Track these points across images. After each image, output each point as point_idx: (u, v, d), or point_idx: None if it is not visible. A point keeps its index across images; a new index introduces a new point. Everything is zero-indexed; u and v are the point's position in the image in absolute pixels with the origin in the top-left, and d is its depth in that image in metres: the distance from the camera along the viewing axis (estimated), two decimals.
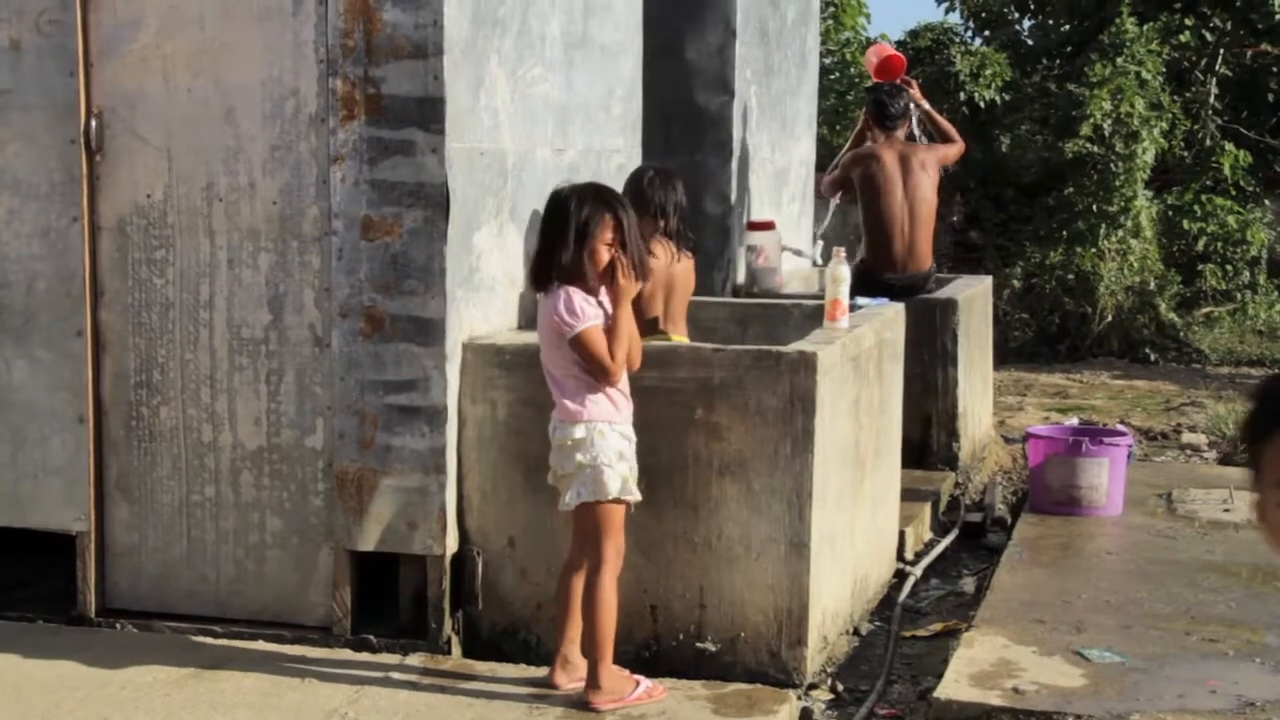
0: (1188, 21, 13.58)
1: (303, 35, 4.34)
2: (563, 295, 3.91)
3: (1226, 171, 13.23)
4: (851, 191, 7.40)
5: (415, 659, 4.29)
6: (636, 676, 4.05)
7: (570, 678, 4.07)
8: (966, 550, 6.04)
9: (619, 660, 4.29)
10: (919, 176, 7.30)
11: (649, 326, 4.98)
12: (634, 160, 5.79)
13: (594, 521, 3.96)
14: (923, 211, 7.26)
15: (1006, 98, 13.23)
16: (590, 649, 3.98)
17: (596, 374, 3.93)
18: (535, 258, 4.09)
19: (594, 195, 4.01)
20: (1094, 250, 12.07)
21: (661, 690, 4.04)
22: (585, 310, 3.91)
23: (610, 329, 3.94)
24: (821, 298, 4.97)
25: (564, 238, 3.93)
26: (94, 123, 4.50)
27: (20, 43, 4.52)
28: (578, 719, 3.88)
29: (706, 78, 7.13)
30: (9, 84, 4.55)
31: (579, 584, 4.05)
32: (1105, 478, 6.15)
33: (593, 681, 3.96)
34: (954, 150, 7.54)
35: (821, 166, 8.95)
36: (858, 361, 4.78)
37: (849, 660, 4.63)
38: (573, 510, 3.98)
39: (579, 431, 3.92)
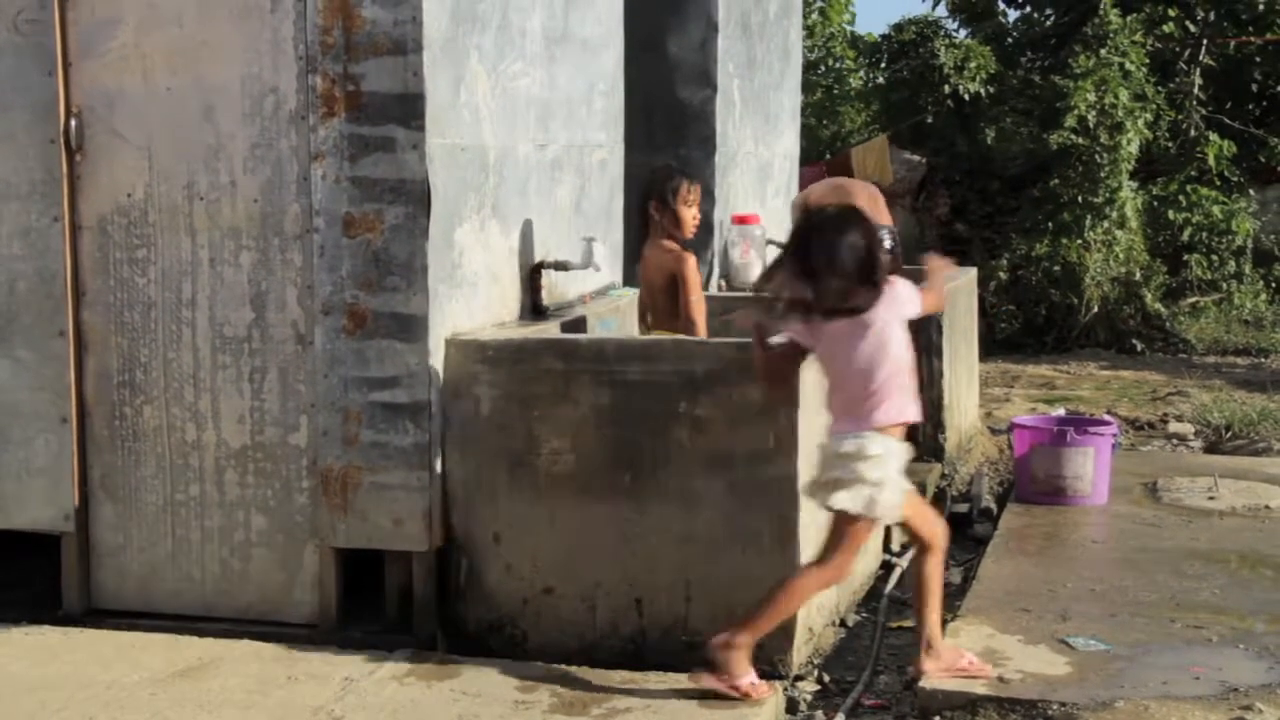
0: (1171, 12, 13.63)
1: (282, 32, 4.33)
2: (908, 285, 4.04)
3: (1211, 162, 13.27)
4: None
5: (401, 655, 4.29)
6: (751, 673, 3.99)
7: (937, 664, 4.07)
8: (952, 541, 6.00)
9: (607, 653, 4.30)
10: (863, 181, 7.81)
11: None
12: (616, 155, 5.80)
13: (846, 530, 3.98)
14: (870, 189, 7.58)
15: (991, 90, 13.25)
16: (752, 616, 3.96)
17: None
18: (846, 281, 3.90)
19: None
20: (1080, 241, 12.10)
21: (763, 689, 3.96)
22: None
23: None
24: None
25: (880, 248, 3.97)
26: (73, 122, 4.49)
27: None
28: (564, 715, 3.88)
29: (689, 72, 7.14)
30: None
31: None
32: (1090, 467, 6.16)
33: (730, 639, 3.93)
34: None
35: (805, 160, 9.00)
36: None
37: (835, 651, 4.64)
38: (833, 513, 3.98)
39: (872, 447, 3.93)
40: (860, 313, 3.93)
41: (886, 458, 3.95)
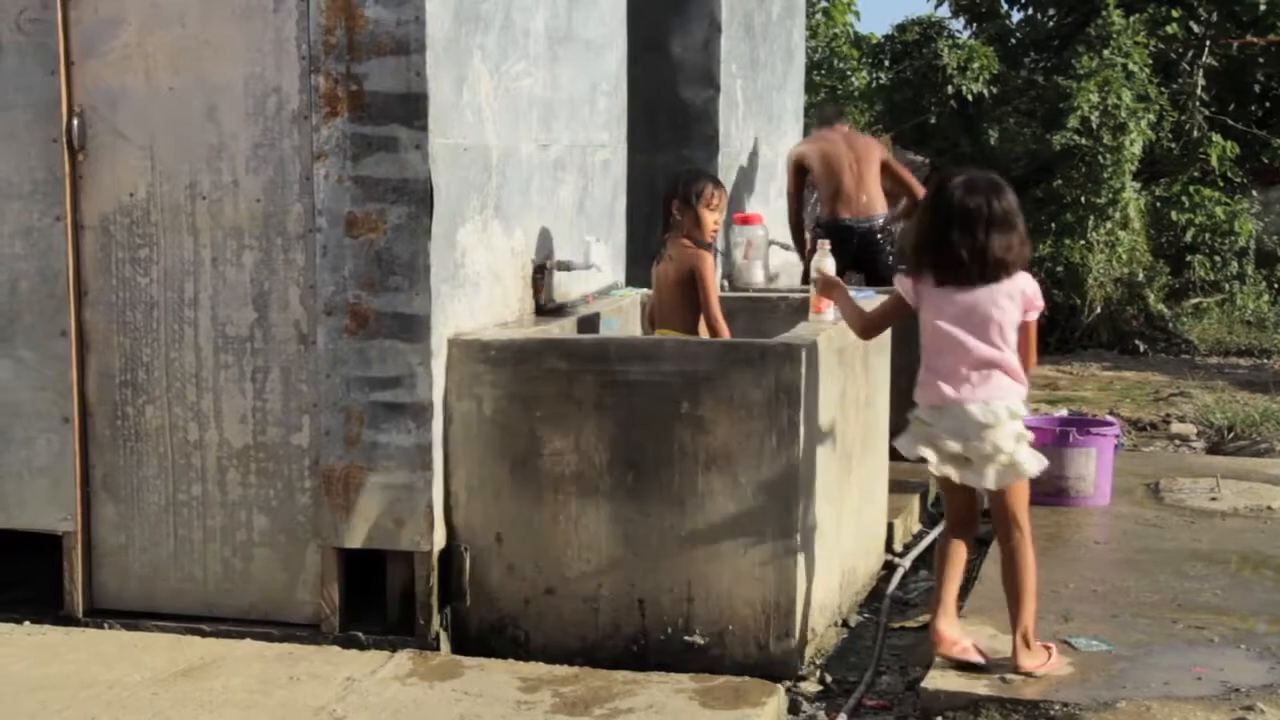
0: (1174, 13, 13.61)
1: (284, 32, 4.33)
2: (1032, 282, 4.12)
3: (1214, 163, 13.25)
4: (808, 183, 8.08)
5: (403, 656, 4.29)
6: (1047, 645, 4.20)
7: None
8: None
9: (609, 654, 4.31)
10: (862, 140, 8.22)
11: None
12: (619, 155, 5.80)
13: (1016, 497, 4.15)
14: (869, 163, 8.00)
15: (994, 90, 13.24)
16: (1018, 617, 4.14)
17: (1028, 358, 4.13)
18: (976, 250, 4.01)
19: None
20: (1083, 242, 12.09)
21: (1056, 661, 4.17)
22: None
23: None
24: (808, 291, 4.97)
25: (1019, 227, 4.04)
26: (76, 121, 4.49)
27: (0, 41, 4.51)
28: (567, 715, 3.88)
29: (692, 72, 7.14)
30: None
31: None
32: (1092, 468, 6.16)
33: (1027, 644, 4.13)
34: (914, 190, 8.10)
35: None
36: (843, 353, 4.78)
37: (837, 652, 4.63)
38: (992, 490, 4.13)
39: (1019, 407, 4.09)
40: (999, 280, 4.03)
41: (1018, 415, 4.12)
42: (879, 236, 7.89)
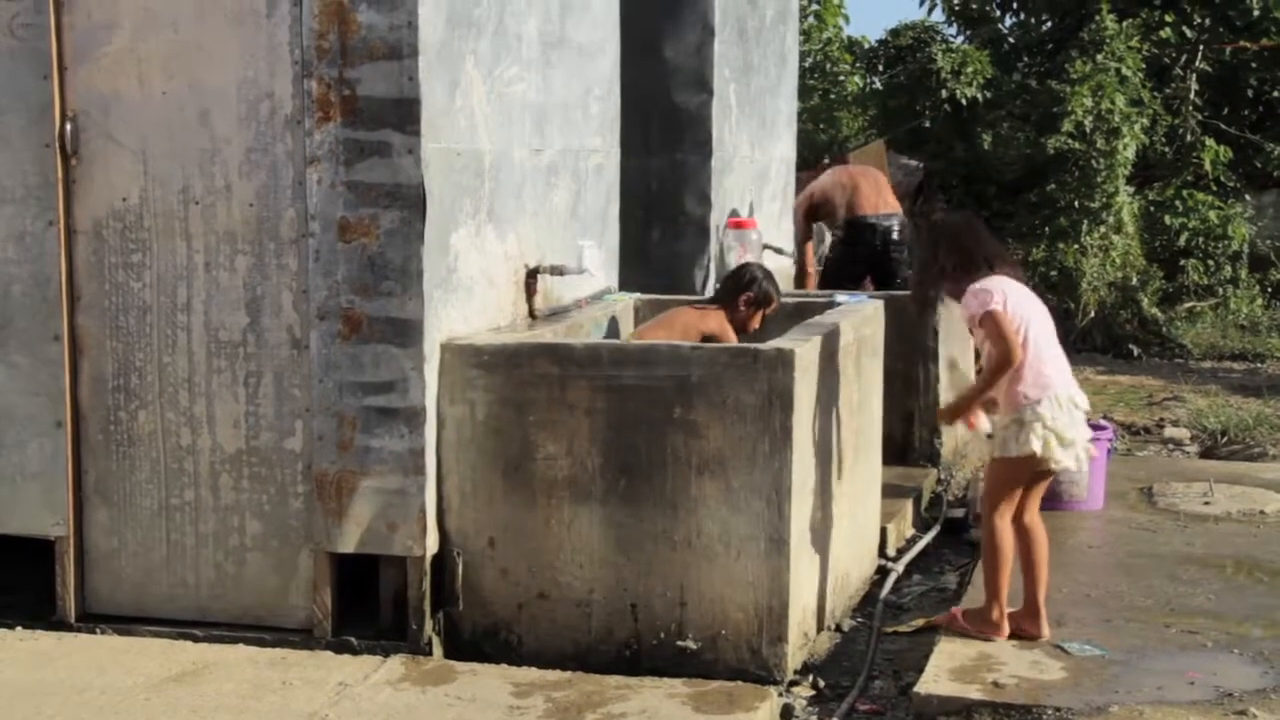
0: (1167, 18, 13.63)
1: (277, 37, 4.33)
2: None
3: (1207, 167, 13.28)
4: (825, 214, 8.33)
5: (396, 660, 4.29)
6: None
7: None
8: (949, 546, 6.05)
9: (601, 658, 4.30)
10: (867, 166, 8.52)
11: None
12: (612, 160, 5.80)
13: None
14: (879, 177, 8.37)
15: (988, 95, 13.25)
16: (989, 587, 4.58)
17: None
18: None
19: None
20: (1076, 246, 12.11)
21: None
22: None
23: None
24: (801, 295, 4.98)
25: None
26: (69, 126, 4.49)
27: None
28: (559, 719, 3.88)
29: (685, 76, 7.13)
30: None
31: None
32: (1086, 472, 6.16)
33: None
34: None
35: (803, 165, 9.03)
36: (836, 358, 4.79)
37: (830, 657, 4.63)
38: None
39: None
40: None
41: None
42: (896, 237, 8.04)
